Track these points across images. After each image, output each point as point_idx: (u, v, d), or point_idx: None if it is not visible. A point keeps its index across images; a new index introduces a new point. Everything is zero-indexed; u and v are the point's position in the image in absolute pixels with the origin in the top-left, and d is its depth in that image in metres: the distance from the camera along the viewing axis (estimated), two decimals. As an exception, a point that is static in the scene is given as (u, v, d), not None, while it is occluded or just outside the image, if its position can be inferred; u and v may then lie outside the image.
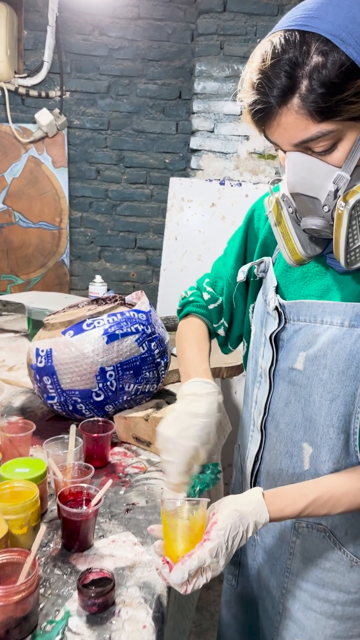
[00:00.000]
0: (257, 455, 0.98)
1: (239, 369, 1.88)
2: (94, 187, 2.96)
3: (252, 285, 1.03)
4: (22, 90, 2.77)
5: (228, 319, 1.10)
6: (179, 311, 1.16)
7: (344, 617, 0.91)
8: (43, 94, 2.79)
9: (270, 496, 0.80)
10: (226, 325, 1.10)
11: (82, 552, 0.95)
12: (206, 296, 1.11)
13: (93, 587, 0.83)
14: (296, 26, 0.67)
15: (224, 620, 1.23)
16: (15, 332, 2.24)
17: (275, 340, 0.91)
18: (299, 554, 0.93)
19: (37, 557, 0.80)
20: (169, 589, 0.91)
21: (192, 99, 2.74)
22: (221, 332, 1.12)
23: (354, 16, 0.66)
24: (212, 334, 1.13)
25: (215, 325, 1.11)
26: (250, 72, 0.71)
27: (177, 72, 2.82)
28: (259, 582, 1.04)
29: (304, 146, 0.72)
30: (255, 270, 0.98)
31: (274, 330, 0.90)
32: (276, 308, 0.89)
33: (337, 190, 0.73)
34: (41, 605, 0.82)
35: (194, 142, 2.74)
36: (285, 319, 0.89)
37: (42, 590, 0.85)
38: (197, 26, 2.67)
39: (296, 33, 0.67)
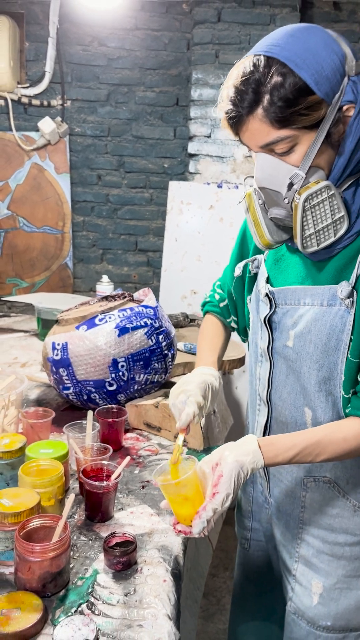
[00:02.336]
0: (265, 425, 1.10)
1: (240, 362, 1.98)
2: (95, 192, 3.06)
3: (248, 281, 1.17)
4: (24, 100, 2.87)
5: (235, 314, 1.25)
6: (202, 311, 1.33)
7: (352, 557, 1.03)
8: (45, 103, 2.89)
9: (265, 445, 0.91)
10: (235, 319, 1.26)
11: (104, 522, 1.05)
12: (217, 296, 1.28)
13: (117, 548, 0.93)
14: (262, 52, 0.86)
15: (238, 581, 1.36)
16: (25, 331, 2.34)
17: (270, 323, 1.05)
18: (309, 505, 1.05)
19: (66, 522, 0.89)
20: (184, 551, 1.00)
21: (189, 106, 2.84)
22: (234, 325, 1.28)
23: (308, 47, 0.84)
24: (228, 327, 1.29)
25: (228, 320, 1.27)
26: (227, 87, 0.89)
27: (174, 80, 2.92)
28: (274, 539, 1.15)
29: (268, 148, 0.89)
30: (250, 266, 1.13)
31: (267, 314, 1.04)
32: (266, 295, 1.04)
33: (292, 185, 0.89)
34: (71, 565, 0.92)
35: (192, 147, 2.84)
36: (275, 303, 1.03)
37: (71, 553, 0.95)
38: (192, 36, 2.78)
39: (262, 57, 0.85)
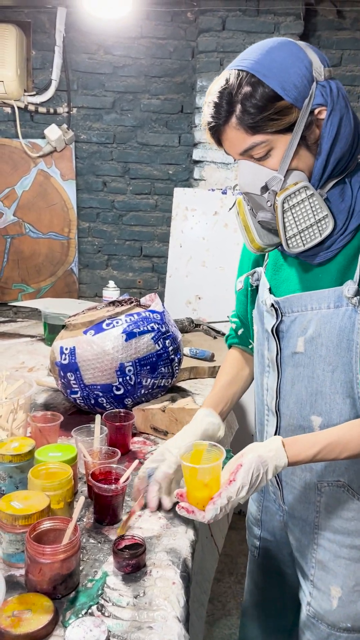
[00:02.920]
0: (274, 435, 1.10)
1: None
2: (100, 199, 3.08)
3: (251, 295, 1.18)
4: (31, 108, 2.90)
5: (253, 337, 1.24)
6: (227, 345, 1.35)
7: None
8: (51, 110, 2.92)
9: (288, 443, 0.93)
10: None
11: (113, 525, 1.06)
12: (233, 326, 1.30)
13: (127, 551, 0.93)
14: (235, 67, 0.92)
15: (248, 588, 1.36)
16: (32, 336, 2.35)
17: (277, 333, 1.05)
18: (324, 510, 1.06)
19: (76, 524, 0.90)
20: (193, 554, 1.01)
21: (194, 113, 2.87)
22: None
23: (274, 58, 0.90)
24: (251, 354, 1.27)
25: (250, 347, 1.27)
26: (207, 102, 0.95)
27: (179, 87, 2.95)
28: (288, 546, 1.17)
29: (247, 154, 0.94)
30: (250, 280, 1.16)
31: (274, 324, 1.05)
32: (272, 305, 1.05)
33: (267, 188, 0.94)
34: (81, 568, 0.93)
35: (196, 154, 2.87)
36: (281, 313, 1.04)
37: (80, 555, 0.96)
38: (197, 44, 2.80)
39: (233, 71, 0.91)
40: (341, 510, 1.03)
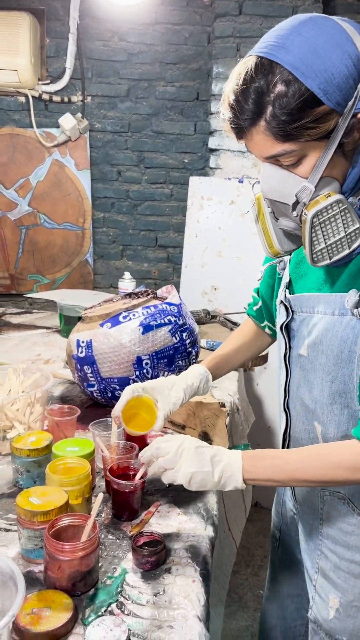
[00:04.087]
0: (284, 433, 1.08)
1: (262, 359, 1.97)
2: (115, 188, 3.06)
3: (277, 284, 1.14)
4: (45, 97, 2.88)
5: (270, 319, 1.24)
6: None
7: None
8: (65, 99, 2.90)
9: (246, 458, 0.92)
10: (270, 325, 1.25)
11: (131, 520, 1.05)
12: (251, 300, 1.28)
13: (146, 548, 0.92)
14: (266, 54, 0.77)
15: (269, 578, 1.35)
16: (47, 328, 2.35)
17: (288, 330, 1.02)
18: (326, 519, 1.02)
19: (95, 521, 0.89)
20: (212, 551, 1.00)
21: (210, 100, 2.82)
22: (268, 330, 1.26)
23: (316, 49, 0.75)
24: (264, 332, 1.28)
25: (262, 325, 1.26)
26: (228, 91, 0.82)
27: (195, 74, 2.90)
28: (299, 546, 1.14)
29: (274, 159, 0.84)
30: (277, 268, 1.11)
31: (284, 322, 1.01)
32: (282, 302, 1.01)
33: (298, 201, 0.84)
34: (100, 564, 0.92)
35: (212, 142, 2.82)
36: (292, 311, 1.00)
37: (99, 552, 0.95)
38: (213, 29, 2.75)
39: (265, 61, 0.77)
40: (341, 522, 0.99)
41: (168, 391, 1.11)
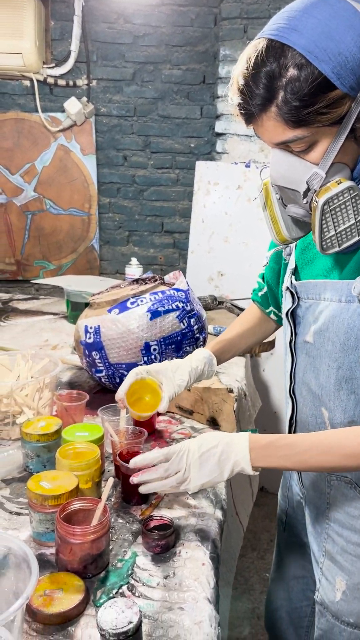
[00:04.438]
0: (291, 420, 1.08)
1: (269, 345, 1.97)
2: (121, 174, 3.04)
3: (283, 269, 1.13)
4: (50, 80, 2.85)
5: (275, 305, 1.24)
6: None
7: None
8: (71, 82, 2.87)
9: (253, 442, 0.91)
10: (275, 310, 1.25)
11: (140, 505, 1.06)
12: (256, 285, 1.27)
13: (156, 531, 0.93)
14: (278, 37, 0.75)
15: (275, 560, 1.36)
16: (54, 314, 2.35)
17: (294, 317, 1.01)
18: (333, 503, 1.03)
19: (106, 505, 0.90)
20: (221, 535, 1.01)
21: (217, 83, 2.79)
22: (274, 316, 1.26)
23: (330, 31, 0.73)
24: (269, 318, 1.28)
25: (267, 311, 1.26)
26: (237, 75, 0.80)
27: (201, 56, 2.87)
28: (305, 529, 1.15)
29: (284, 146, 0.82)
30: (283, 253, 1.10)
31: (289, 308, 1.01)
32: (287, 288, 1.01)
33: (308, 188, 0.83)
34: (110, 547, 0.93)
35: (219, 126, 2.80)
36: (298, 297, 0.99)
37: (110, 536, 0.96)
38: (220, 10, 2.71)
39: (277, 44, 0.75)
40: (348, 506, 1.00)
41: (172, 374, 1.12)
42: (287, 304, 1.03)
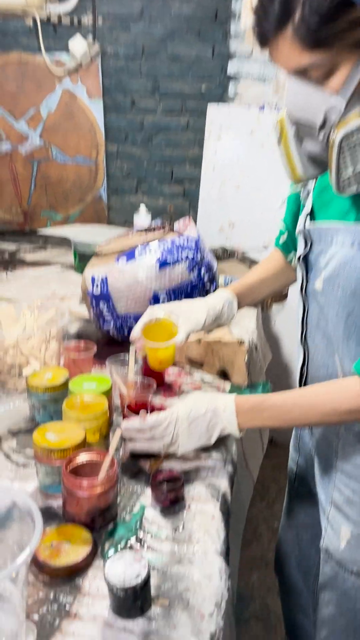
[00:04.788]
0: (302, 368, 1.05)
1: (283, 297, 1.92)
2: (129, 119, 2.92)
3: (301, 212, 1.07)
4: (54, 19, 2.70)
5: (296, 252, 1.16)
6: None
7: None
8: (75, 20, 2.72)
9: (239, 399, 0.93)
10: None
11: (149, 458, 1.04)
12: (279, 228, 1.20)
13: (165, 484, 0.91)
14: None
15: (285, 509, 1.37)
16: (62, 264, 2.30)
17: (307, 262, 0.96)
18: (341, 455, 1.02)
19: (113, 457, 0.88)
20: (232, 488, 0.99)
21: (229, 20, 2.62)
22: (294, 264, 1.20)
23: None
24: (290, 265, 1.23)
25: (289, 257, 1.21)
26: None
27: (213, -10, 2.69)
28: (314, 480, 1.14)
29: (302, 72, 0.75)
30: (301, 195, 1.04)
31: (302, 253, 0.96)
32: (301, 231, 0.95)
33: (326, 121, 0.76)
34: (118, 499, 0.91)
35: (232, 67, 2.65)
36: (311, 241, 0.94)
37: (118, 488, 0.94)
38: None
39: None
40: (356, 457, 0.99)
41: (190, 312, 1.09)
42: (300, 248, 0.98)
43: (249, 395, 0.94)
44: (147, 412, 1.05)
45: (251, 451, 1.54)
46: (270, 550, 2.15)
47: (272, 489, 2.52)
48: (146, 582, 0.69)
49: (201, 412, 0.92)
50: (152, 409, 1.06)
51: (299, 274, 0.99)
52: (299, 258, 0.97)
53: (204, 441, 0.93)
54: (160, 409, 1.04)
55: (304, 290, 0.98)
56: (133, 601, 0.69)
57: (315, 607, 1.33)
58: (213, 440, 0.92)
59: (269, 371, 2.35)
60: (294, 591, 1.39)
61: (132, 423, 0.94)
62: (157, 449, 0.93)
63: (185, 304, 1.12)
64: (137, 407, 1.06)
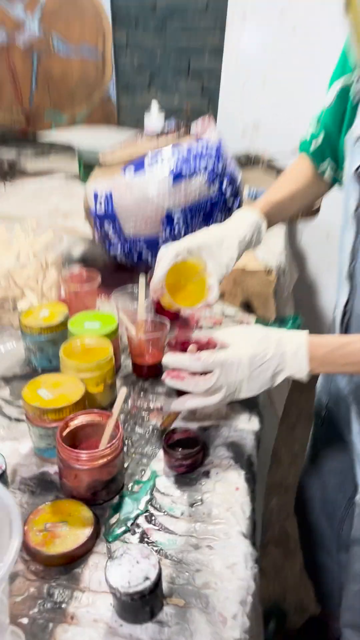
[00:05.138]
0: (346, 306, 0.89)
1: (314, 212, 1.69)
2: (139, 0, 2.53)
3: (350, 112, 0.85)
4: None
5: (333, 157, 0.96)
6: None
7: None
8: None
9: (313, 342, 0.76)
10: (333, 165, 0.97)
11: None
12: (311, 130, 0.98)
13: (180, 448, 0.78)
14: None
15: (309, 452, 1.27)
16: (66, 173, 2.08)
17: None
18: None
19: (118, 421, 0.73)
20: (258, 448, 0.85)
21: None
22: (326, 177, 0.99)
23: None
24: (321, 178, 1.02)
25: (321, 167, 0.99)
26: None
27: None
28: (349, 426, 1.03)
29: None
30: (352, 90, 0.82)
31: (359, 165, 0.76)
32: (359, 137, 0.76)
33: None
34: (125, 465, 0.78)
35: None
36: None
37: (125, 449, 0.81)
38: None
39: None
40: None
41: (218, 250, 0.89)
42: (356, 159, 0.77)
43: (322, 336, 0.76)
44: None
45: (276, 387, 1.40)
46: (291, 474, 2.10)
47: (292, 412, 2.42)
48: (156, 584, 0.57)
49: (267, 357, 0.75)
50: (200, 347, 0.83)
51: (353, 192, 0.79)
52: (355, 170, 0.76)
53: (265, 387, 0.77)
54: (208, 345, 0.81)
55: (358, 212, 0.79)
56: (141, 606, 0.57)
57: (340, 549, 1.25)
58: (276, 384, 0.77)
59: (293, 292, 2.18)
60: (315, 532, 1.33)
61: (180, 358, 0.76)
62: (218, 401, 0.75)
63: (214, 236, 0.90)
64: (184, 346, 0.88)
